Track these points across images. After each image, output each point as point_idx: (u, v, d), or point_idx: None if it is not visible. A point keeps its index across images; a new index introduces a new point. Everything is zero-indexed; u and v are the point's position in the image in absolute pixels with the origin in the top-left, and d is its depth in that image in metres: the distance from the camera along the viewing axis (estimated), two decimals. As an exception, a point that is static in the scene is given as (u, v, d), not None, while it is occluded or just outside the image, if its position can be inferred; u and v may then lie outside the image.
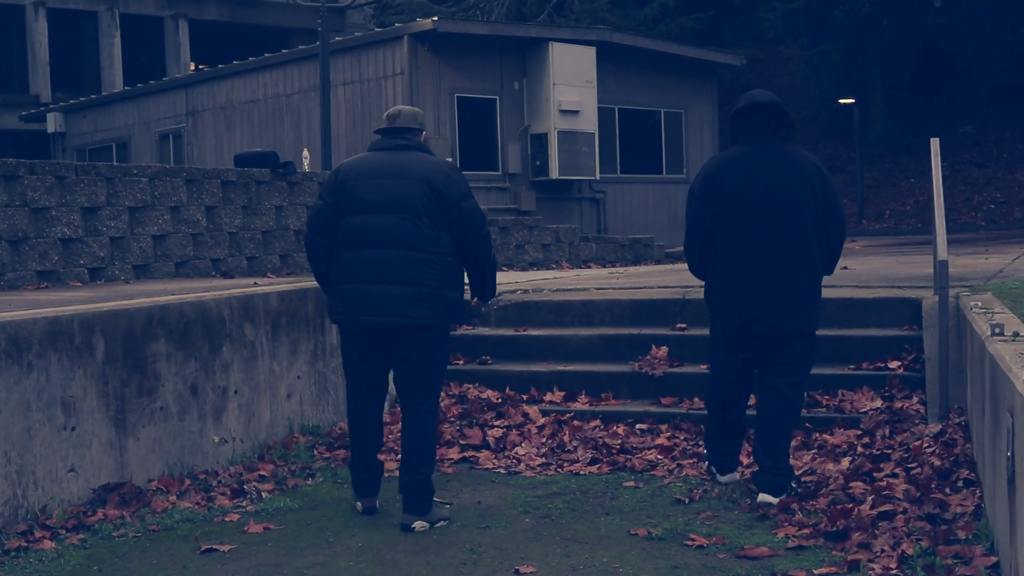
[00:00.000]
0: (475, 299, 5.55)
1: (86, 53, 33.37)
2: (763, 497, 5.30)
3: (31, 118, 26.44)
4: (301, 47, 19.38)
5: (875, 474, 5.57)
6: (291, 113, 19.08)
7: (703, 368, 7.09)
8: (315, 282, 7.54)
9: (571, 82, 17.86)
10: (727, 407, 5.63)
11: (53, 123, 24.59)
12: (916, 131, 31.47)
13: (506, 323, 8.19)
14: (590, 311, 8.05)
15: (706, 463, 5.84)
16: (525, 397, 7.33)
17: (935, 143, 7.20)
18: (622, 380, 7.25)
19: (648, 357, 7.27)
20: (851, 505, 5.06)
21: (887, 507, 4.96)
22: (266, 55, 19.82)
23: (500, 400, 7.28)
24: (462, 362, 7.75)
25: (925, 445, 5.78)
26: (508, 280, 9.90)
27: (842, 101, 30.85)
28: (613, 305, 7.99)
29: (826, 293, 7.16)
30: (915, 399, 6.45)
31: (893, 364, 6.73)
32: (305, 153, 12.90)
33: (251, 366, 6.61)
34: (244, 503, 5.73)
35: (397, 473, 5.44)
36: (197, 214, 9.79)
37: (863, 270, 9.81)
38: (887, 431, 6.18)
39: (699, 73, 21.23)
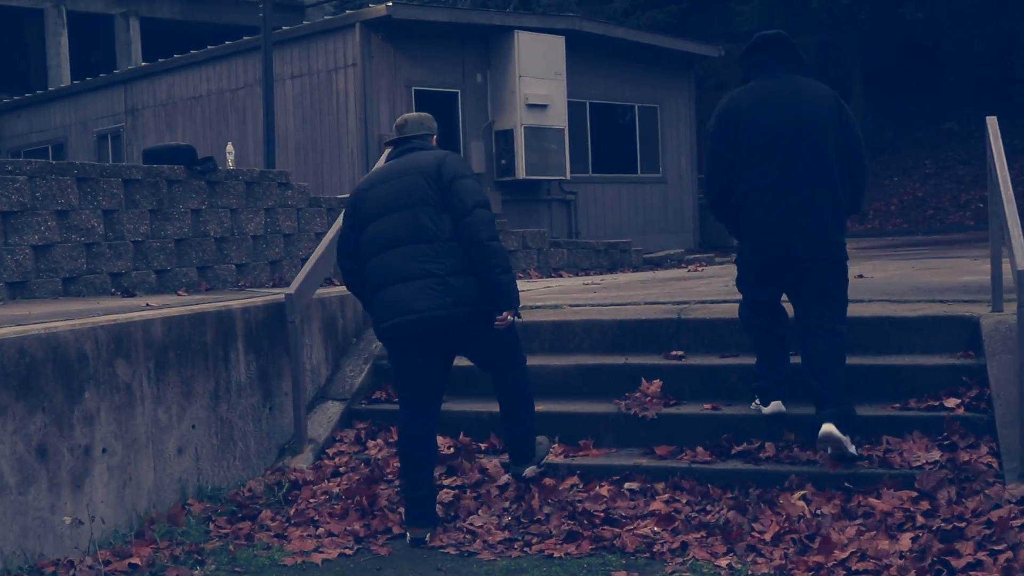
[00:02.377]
0: (497, 312, 4.96)
1: (32, 53, 31.65)
2: (829, 429, 4.96)
3: (-33, 119, 24.69)
4: (246, 38, 17.83)
5: (951, 560, 4.14)
6: (236, 109, 17.59)
7: (707, 408, 5.66)
8: (218, 304, 6.08)
9: (539, 74, 16.50)
10: (764, 328, 5.40)
11: (-15, 124, 22.96)
12: (897, 127, 30.29)
13: (461, 349, 6.68)
14: (563, 334, 6.58)
15: (755, 400, 5.50)
16: (483, 446, 5.85)
17: (992, 121, 5.84)
18: (605, 423, 5.78)
19: (637, 394, 5.82)
20: (935, 619, 3.64)
21: (988, 624, 3.54)
22: (209, 47, 18.28)
23: (452, 450, 5.80)
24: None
25: (1011, 516, 4.36)
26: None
27: (821, 97, 29.53)
28: (592, 326, 6.53)
29: (854, 310, 5.76)
30: (984, 449, 5.02)
31: (950, 402, 5.30)
32: (229, 148, 11.37)
33: (126, 416, 5.09)
34: (99, 611, 4.23)
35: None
36: (92, 219, 8.15)
37: (882, 279, 8.39)
38: (952, 493, 4.75)
39: (675, 66, 19.91)
